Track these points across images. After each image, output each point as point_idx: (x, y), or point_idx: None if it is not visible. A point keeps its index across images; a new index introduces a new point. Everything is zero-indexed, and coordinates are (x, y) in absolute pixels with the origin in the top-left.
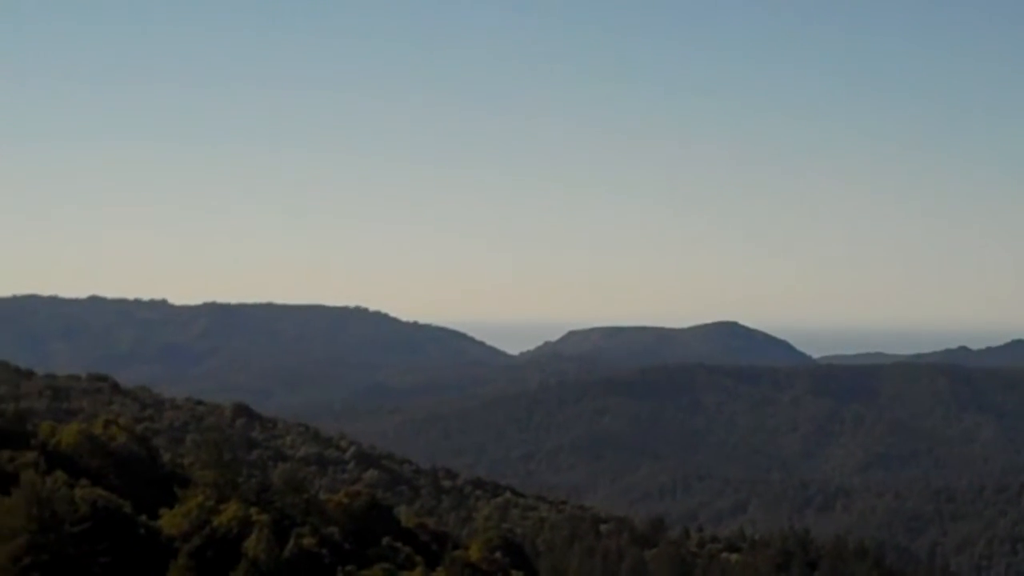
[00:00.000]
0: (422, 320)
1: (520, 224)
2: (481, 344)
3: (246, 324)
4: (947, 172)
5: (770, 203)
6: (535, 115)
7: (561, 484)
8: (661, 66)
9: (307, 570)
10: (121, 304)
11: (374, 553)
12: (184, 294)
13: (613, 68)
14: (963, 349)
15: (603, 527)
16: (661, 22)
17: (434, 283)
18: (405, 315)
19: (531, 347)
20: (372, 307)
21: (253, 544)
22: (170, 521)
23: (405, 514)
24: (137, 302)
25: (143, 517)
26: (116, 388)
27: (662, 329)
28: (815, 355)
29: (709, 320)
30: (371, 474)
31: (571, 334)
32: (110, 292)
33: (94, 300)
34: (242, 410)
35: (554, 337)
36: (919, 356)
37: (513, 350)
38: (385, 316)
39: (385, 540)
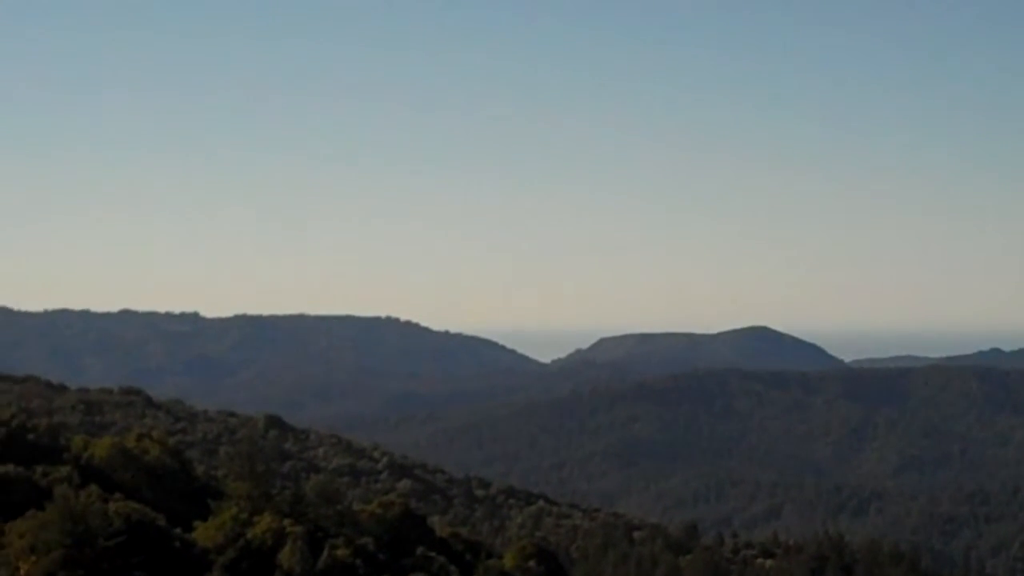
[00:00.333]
0: (453, 329)
1: (550, 232)
2: (512, 352)
3: (277, 336)
4: (977, 173)
5: (799, 207)
6: (566, 123)
7: (594, 491)
8: (694, 69)
9: None
10: (152, 317)
11: (408, 563)
12: (215, 306)
13: (647, 71)
14: (996, 351)
15: (637, 534)
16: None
17: (465, 292)
18: (436, 324)
19: (562, 355)
20: (403, 317)
21: (287, 556)
22: (204, 534)
23: (439, 524)
24: (168, 315)
25: (177, 530)
26: (149, 401)
27: (693, 335)
28: (847, 359)
29: (740, 325)
30: (404, 484)
31: (602, 341)
32: (141, 305)
33: (125, 314)
34: (274, 422)
35: (585, 344)
36: (951, 358)
37: (544, 358)
38: (416, 325)
39: (419, 550)
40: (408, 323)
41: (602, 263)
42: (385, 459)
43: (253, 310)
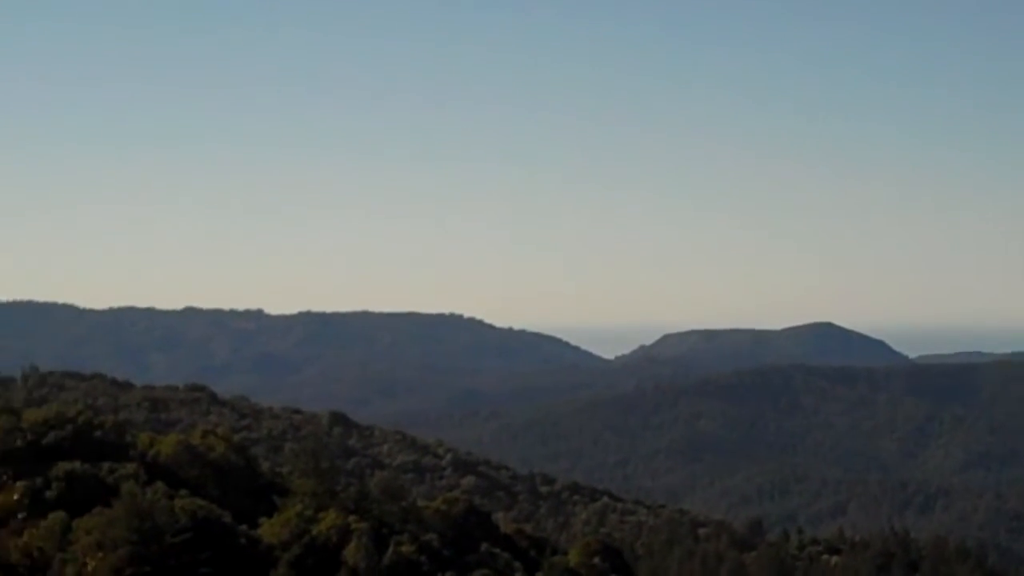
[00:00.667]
0: (516, 326)
1: (614, 229)
2: (576, 349)
3: (342, 333)
4: None
5: (864, 203)
6: (636, 123)
7: (658, 488)
8: (756, 73)
9: None
10: (217, 315)
11: (473, 559)
12: (279, 304)
13: (695, 74)
14: None
15: (702, 531)
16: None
17: (529, 288)
18: (500, 321)
19: (626, 351)
20: (467, 314)
21: (352, 552)
22: (270, 530)
23: (503, 520)
24: (233, 312)
25: (243, 527)
26: (214, 398)
27: (757, 331)
28: (912, 355)
29: (804, 321)
30: (468, 480)
31: (666, 337)
32: (206, 303)
33: (190, 311)
34: (339, 418)
35: (649, 341)
36: (1018, 354)
37: (608, 354)
38: (480, 322)
39: (484, 546)
40: (472, 320)
41: (667, 259)
42: (449, 455)
43: (317, 307)
